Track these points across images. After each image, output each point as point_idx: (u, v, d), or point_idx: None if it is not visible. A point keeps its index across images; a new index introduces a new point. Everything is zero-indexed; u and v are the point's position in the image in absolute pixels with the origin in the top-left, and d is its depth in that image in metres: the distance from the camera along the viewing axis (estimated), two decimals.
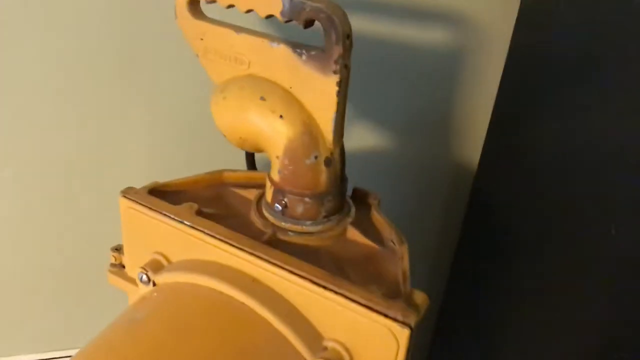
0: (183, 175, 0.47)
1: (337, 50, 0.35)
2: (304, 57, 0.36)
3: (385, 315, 0.33)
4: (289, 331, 0.35)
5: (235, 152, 0.47)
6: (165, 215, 0.41)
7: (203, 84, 0.42)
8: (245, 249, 0.38)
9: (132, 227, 0.44)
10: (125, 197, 0.43)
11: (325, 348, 0.36)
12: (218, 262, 0.39)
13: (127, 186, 0.44)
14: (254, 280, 0.37)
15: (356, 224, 0.43)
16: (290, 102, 0.38)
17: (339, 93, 0.36)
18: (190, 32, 0.41)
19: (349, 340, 0.35)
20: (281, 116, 0.38)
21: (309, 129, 0.38)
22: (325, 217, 0.41)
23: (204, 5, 0.40)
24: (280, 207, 0.41)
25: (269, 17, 0.37)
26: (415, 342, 0.34)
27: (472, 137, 0.74)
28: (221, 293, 0.37)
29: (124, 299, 0.47)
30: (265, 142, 0.40)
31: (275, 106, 0.38)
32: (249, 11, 0.37)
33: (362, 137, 0.72)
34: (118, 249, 0.47)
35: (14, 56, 0.58)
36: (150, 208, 0.42)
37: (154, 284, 0.42)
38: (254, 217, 0.43)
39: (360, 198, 0.47)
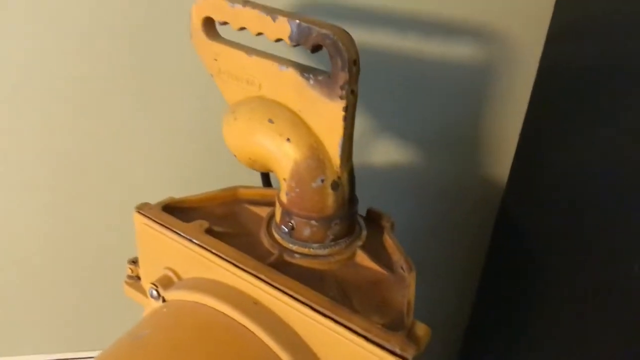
0: (201, 189, 0.48)
1: (343, 77, 0.34)
2: (311, 81, 0.36)
3: (383, 348, 0.33)
4: (288, 356, 0.35)
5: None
6: (174, 232, 0.42)
7: (222, 99, 0.42)
8: (250, 270, 0.38)
9: (146, 242, 0.44)
10: (139, 213, 0.44)
11: None
12: (223, 282, 0.39)
13: (144, 201, 0.45)
14: (257, 303, 0.37)
15: (366, 248, 0.42)
16: (298, 126, 0.38)
17: (345, 118, 0.36)
18: (204, 52, 0.41)
19: None
20: (288, 139, 0.38)
21: (316, 153, 0.38)
22: (333, 241, 0.41)
23: (219, 26, 0.41)
24: (287, 229, 0.41)
25: (278, 40, 0.37)
26: None
27: (500, 155, 0.72)
28: (224, 314, 0.37)
29: (136, 303, 0.48)
30: (273, 164, 0.40)
31: (283, 129, 0.38)
32: (259, 34, 0.37)
33: (387, 153, 0.71)
34: (135, 262, 0.48)
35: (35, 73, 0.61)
36: (161, 224, 0.42)
37: (164, 300, 0.42)
38: (263, 237, 0.43)
39: (374, 219, 0.47)
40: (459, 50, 0.65)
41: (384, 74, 0.65)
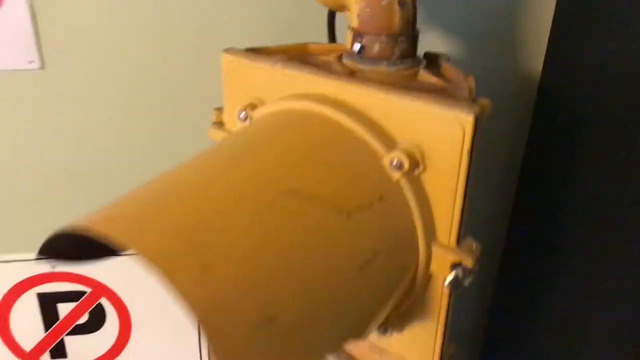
0: None
1: None
2: None
3: (453, 108, 0.38)
4: (369, 135, 0.41)
5: None
6: (261, 61, 0.48)
7: None
8: (331, 77, 0.44)
9: (232, 79, 0.51)
10: (227, 52, 0.50)
11: (399, 147, 0.41)
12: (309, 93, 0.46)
13: None
14: (339, 101, 0.44)
15: (427, 69, 0.48)
16: None
17: None
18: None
19: (421, 140, 0.41)
20: None
21: None
22: (399, 59, 0.47)
23: None
24: (358, 47, 0.47)
25: None
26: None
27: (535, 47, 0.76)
28: (311, 110, 0.43)
29: None
30: None
31: None
32: None
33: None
34: (219, 109, 0.55)
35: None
36: (248, 58, 0.49)
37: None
38: (336, 66, 0.49)
39: (431, 60, 0.52)
40: None
41: None
